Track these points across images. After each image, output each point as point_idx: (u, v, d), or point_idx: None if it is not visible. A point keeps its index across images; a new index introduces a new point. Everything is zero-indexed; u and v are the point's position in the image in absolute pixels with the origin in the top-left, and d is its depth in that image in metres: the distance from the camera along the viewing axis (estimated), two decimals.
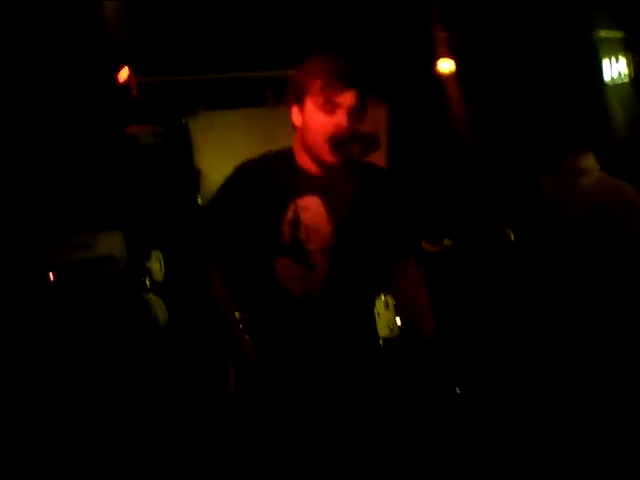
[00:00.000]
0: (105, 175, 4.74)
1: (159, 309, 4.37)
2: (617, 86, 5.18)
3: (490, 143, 5.28)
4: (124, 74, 4.93)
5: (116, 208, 4.67)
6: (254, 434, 2.55)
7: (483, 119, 5.31)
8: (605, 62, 5.25)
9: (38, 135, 4.58)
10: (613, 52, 5.19)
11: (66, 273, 4.32)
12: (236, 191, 2.51)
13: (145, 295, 4.41)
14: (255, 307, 2.55)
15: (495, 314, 4.22)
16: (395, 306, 2.64)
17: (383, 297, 2.84)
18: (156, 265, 4.50)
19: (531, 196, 3.50)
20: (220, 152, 5.26)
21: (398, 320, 2.60)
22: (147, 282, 4.47)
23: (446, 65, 5.54)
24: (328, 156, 2.33)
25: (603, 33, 5.22)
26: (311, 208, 2.40)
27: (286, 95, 2.49)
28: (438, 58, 5.54)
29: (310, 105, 2.34)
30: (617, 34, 5.22)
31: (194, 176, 5.18)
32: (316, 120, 2.33)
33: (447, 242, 5.09)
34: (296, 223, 2.39)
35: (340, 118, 2.30)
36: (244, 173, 2.54)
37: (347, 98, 2.31)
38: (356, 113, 2.34)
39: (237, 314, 2.58)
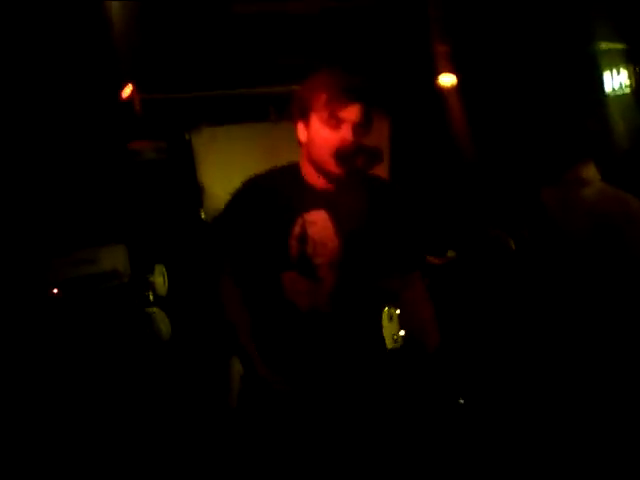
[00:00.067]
0: (109, 190, 4.76)
1: (162, 323, 4.38)
2: (618, 97, 5.19)
3: (491, 155, 5.28)
4: (128, 90, 4.96)
5: (120, 223, 4.69)
6: (257, 447, 2.55)
7: (484, 131, 5.32)
8: (606, 74, 5.26)
9: (42, 149, 4.61)
10: (614, 64, 5.20)
11: (70, 288, 4.33)
12: (243, 206, 2.54)
13: (148, 309, 4.42)
14: (263, 320, 2.55)
15: (499, 325, 4.21)
16: (399, 318, 2.63)
17: (387, 309, 2.82)
18: (159, 279, 4.51)
19: (532, 207, 3.50)
20: (223, 167, 5.28)
21: (402, 332, 2.60)
22: (150, 296, 4.48)
23: (447, 79, 5.55)
24: (334, 168, 2.35)
25: (604, 45, 5.23)
26: (318, 222, 2.42)
27: (291, 111, 2.51)
28: (439, 72, 5.55)
29: (315, 121, 2.37)
30: (619, 46, 5.23)
31: (197, 191, 5.19)
32: (321, 135, 2.35)
33: (451, 254, 5.09)
34: (303, 238, 2.41)
35: (345, 133, 2.33)
36: (251, 189, 2.56)
37: (352, 113, 2.34)
38: (361, 127, 2.37)
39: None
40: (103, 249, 4.48)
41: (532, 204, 3.50)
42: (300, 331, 2.45)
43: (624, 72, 5.21)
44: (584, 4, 4.82)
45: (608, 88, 5.28)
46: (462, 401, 2.65)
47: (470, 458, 3.16)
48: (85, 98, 4.74)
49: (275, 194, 2.49)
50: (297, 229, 2.42)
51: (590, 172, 3.29)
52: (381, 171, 5.25)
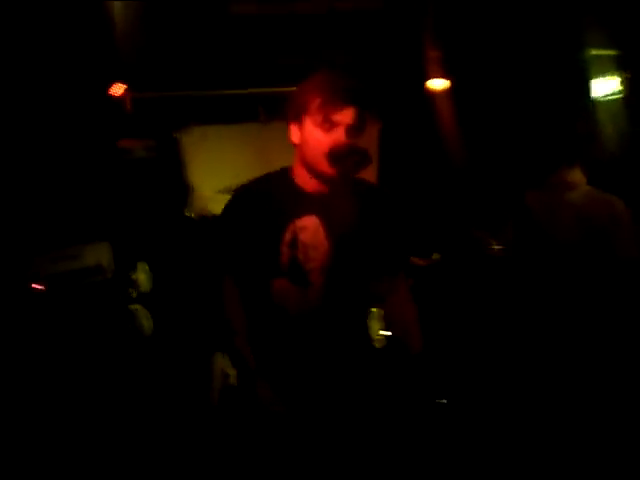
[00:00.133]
0: (96, 187, 4.75)
1: (145, 320, 4.37)
2: (608, 103, 5.20)
3: (479, 158, 5.29)
4: (118, 89, 4.95)
5: (104, 220, 4.68)
6: (240, 444, 2.55)
7: (473, 134, 5.33)
8: (597, 80, 5.27)
9: (30, 146, 4.59)
10: (605, 70, 5.21)
11: (53, 283, 4.32)
12: (237, 214, 2.54)
13: (131, 306, 4.41)
14: (254, 325, 2.55)
15: (484, 326, 4.21)
16: (383, 318, 2.62)
17: (373, 310, 2.82)
18: (143, 276, 4.51)
19: (517, 210, 3.50)
20: (211, 167, 5.31)
21: (386, 332, 2.59)
22: (133, 293, 4.47)
23: (438, 83, 5.56)
24: (327, 169, 2.36)
25: (595, 51, 5.24)
26: (309, 228, 2.43)
27: (284, 113, 2.51)
28: (430, 77, 5.55)
29: (309, 123, 2.38)
30: (609, 52, 5.24)
31: (184, 190, 5.19)
32: (315, 137, 2.36)
33: (436, 256, 5.09)
34: (294, 244, 2.42)
35: (339, 135, 2.34)
36: (243, 196, 2.56)
37: (346, 116, 2.35)
38: (354, 130, 2.38)
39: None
40: (87, 246, 4.49)
41: (517, 207, 3.50)
42: (289, 334, 2.46)
43: (614, 78, 5.22)
44: (575, 11, 4.83)
45: (598, 94, 5.29)
46: (445, 401, 2.64)
47: (453, 457, 3.17)
48: (74, 96, 4.74)
49: (266, 200, 2.49)
50: (288, 235, 2.43)
51: (576, 176, 3.30)
52: (369, 174, 5.24)
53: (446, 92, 5.53)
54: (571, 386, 3.22)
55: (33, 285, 4.23)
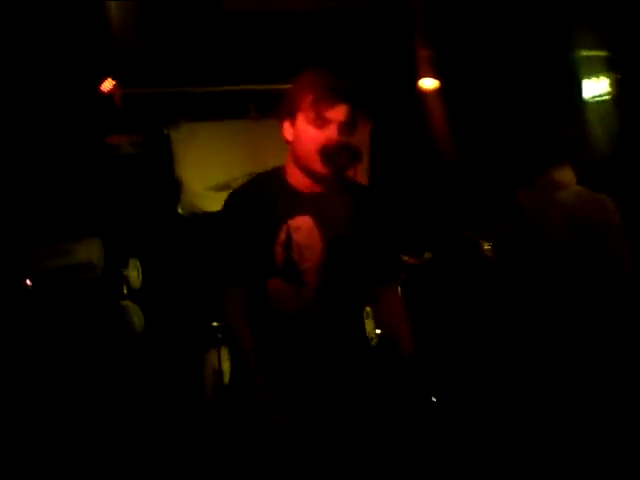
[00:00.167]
0: (85, 183, 4.74)
1: (136, 316, 4.37)
2: (598, 104, 5.22)
3: (470, 157, 5.30)
4: (108, 85, 4.93)
5: (96, 216, 4.67)
6: (235, 448, 2.55)
7: (463, 134, 5.34)
8: (587, 81, 5.29)
9: (19, 142, 4.57)
10: (595, 71, 5.23)
11: (44, 279, 4.31)
12: (232, 217, 2.52)
13: (122, 302, 4.41)
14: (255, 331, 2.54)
15: (475, 325, 4.23)
16: (376, 319, 2.63)
17: (367, 308, 2.83)
18: (134, 273, 4.51)
19: (508, 209, 3.51)
20: (201, 163, 5.29)
21: (378, 330, 2.60)
22: (124, 289, 4.47)
23: (429, 83, 5.56)
24: (319, 167, 2.36)
25: (585, 52, 5.26)
26: (303, 228, 2.42)
27: (276, 110, 2.51)
28: (421, 76, 5.56)
29: (301, 120, 2.38)
30: (599, 53, 5.26)
31: (174, 186, 5.18)
32: (308, 134, 2.36)
33: (428, 255, 5.10)
34: (289, 244, 2.41)
35: (331, 132, 2.34)
36: (237, 200, 2.54)
37: (338, 113, 2.35)
38: (346, 127, 2.38)
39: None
40: (79, 242, 4.47)
41: (508, 205, 3.51)
42: (286, 333, 2.45)
43: (604, 79, 5.24)
44: (566, 11, 4.84)
45: (588, 95, 5.31)
46: (434, 399, 2.66)
47: (447, 455, 3.19)
48: (64, 92, 4.72)
49: (260, 201, 2.48)
50: (282, 235, 2.42)
51: (565, 176, 3.31)
52: (361, 173, 5.25)
53: (437, 91, 5.54)
54: (562, 385, 3.24)
55: (24, 280, 4.21)
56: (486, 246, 4.26)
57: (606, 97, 5.22)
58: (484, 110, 5.31)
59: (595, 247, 3.15)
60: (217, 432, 3.63)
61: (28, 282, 4.27)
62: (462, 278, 4.60)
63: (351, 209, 2.46)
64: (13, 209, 4.46)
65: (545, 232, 3.31)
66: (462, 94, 5.38)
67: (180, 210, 5.21)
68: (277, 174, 2.52)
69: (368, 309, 2.66)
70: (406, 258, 4.77)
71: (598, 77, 5.27)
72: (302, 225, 2.43)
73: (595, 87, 5.28)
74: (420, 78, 5.56)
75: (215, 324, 4.32)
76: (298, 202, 2.44)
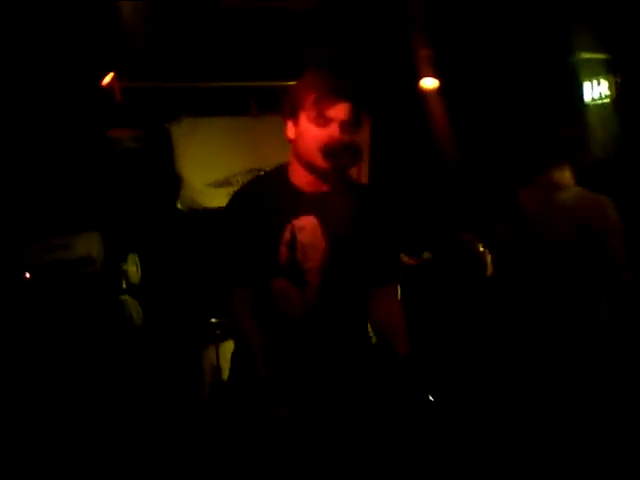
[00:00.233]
0: (85, 177, 4.74)
1: (134, 311, 4.37)
2: (598, 107, 5.23)
3: (470, 157, 5.31)
4: (108, 78, 4.92)
5: (95, 210, 4.67)
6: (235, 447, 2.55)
7: (463, 133, 5.35)
8: (587, 83, 5.30)
9: (19, 136, 4.57)
10: (595, 74, 5.24)
11: (43, 273, 4.31)
12: (236, 221, 2.52)
13: (121, 297, 4.41)
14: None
15: (474, 325, 4.24)
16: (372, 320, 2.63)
17: None
18: (133, 268, 4.52)
19: (509, 208, 3.52)
20: (201, 159, 5.29)
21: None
22: (123, 284, 4.47)
23: (429, 82, 5.57)
24: (322, 163, 2.37)
25: (586, 54, 5.27)
26: (307, 227, 2.42)
27: (276, 107, 2.54)
28: (421, 76, 5.57)
29: (304, 119, 2.39)
30: (600, 56, 5.27)
31: (174, 181, 5.18)
32: (310, 132, 2.37)
33: (427, 255, 5.10)
34: (293, 244, 2.41)
35: (333, 131, 2.34)
36: (241, 200, 2.55)
37: (340, 111, 2.35)
38: (349, 125, 2.38)
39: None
40: (78, 235, 4.47)
41: (509, 206, 3.52)
42: (289, 333, 2.45)
43: (604, 82, 5.25)
44: (566, 14, 4.85)
45: (588, 98, 5.32)
46: (432, 398, 2.66)
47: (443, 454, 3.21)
48: (64, 86, 4.71)
49: (263, 201, 2.48)
50: (287, 235, 2.42)
51: (563, 176, 3.33)
52: (361, 172, 5.26)
53: (437, 91, 5.54)
54: (559, 384, 3.25)
55: (23, 273, 4.21)
56: (481, 248, 4.27)
57: (606, 100, 5.23)
58: (484, 111, 5.32)
59: (594, 248, 3.16)
60: (214, 428, 3.64)
61: (27, 275, 4.27)
62: (459, 279, 4.61)
63: (353, 209, 2.47)
64: (13, 202, 4.45)
65: (545, 232, 3.32)
66: (462, 94, 5.39)
67: (179, 205, 5.21)
68: (280, 173, 2.52)
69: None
70: (405, 258, 4.78)
71: (598, 80, 5.27)
72: (306, 225, 2.43)
73: (595, 90, 5.28)
74: (420, 78, 5.57)
75: (213, 320, 4.35)
76: (302, 202, 2.45)
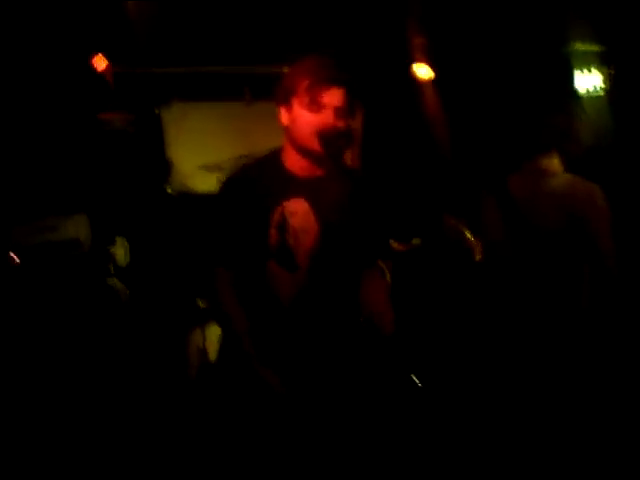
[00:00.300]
0: (75, 159, 4.72)
1: (122, 294, 4.36)
2: (592, 98, 5.24)
3: (461, 144, 5.31)
4: (101, 62, 4.91)
5: (83, 192, 4.65)
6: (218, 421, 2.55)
7: (455, 122, 5.35)
8: (580, 75, 5.30)
9: (8, 117, 4.55)
10: (588, 65, 5.25)
11: (30, 255, 4.29)
12: (228, 200, 2.53)
13: (108, 280, 4.40)
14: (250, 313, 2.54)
15: (463, 312, 4.24)
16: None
17: None
18: (121, 251, 4.51)
19: (498, 195, 3.52)
20: (192, 143, 5.28)
21: None
22: (111, 267, 4.46)
23: (422, 70, 5.57)
24: (316, 147, 2.37)
25: (579, 46, 5.28)
26: (299, 212, 2.42)
27: (270, 94, 2.52)
28: (414, 63, 5.57)
29: (297, 105, 2.38)
30: (593, 47, 5.28)
31: (164, 165, 5.17)
32: (303, 118, 2.37)
33: (416, 241, 5.09)
34: (283, 227, 2.41)
35: (326, 117, 2.34)
36: (233, 183, 2.55)
37: (333, 97, 2.35)
38: (342, 111, 2.38)
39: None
40: (65, 218, 4.45)
41: (499, 191, 3.52)
42: (280, 318, 2.45)
43: (598, 74, 5.26)
44: (561, 5, 4.86)
45: (582, 89, 5.33)
46: (419, 384, 2.66)
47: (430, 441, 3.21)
48: (56, 69, 4.70)
49: (256, 184, 2.49)
50: (277, 217, 2.42)
51: (552, 163, 3.33)
52: (352, 159, 5.26)
53: (429, 79, 5.54)
54: (545, 371, 3.25)
55: (10, 254, 4.20)
56: (469, 235, 4.26)
57: (600, 92, 5.23)
58: (476, 100, 5.31)
59: (581, 234, 3.17)
60: (202, 409, 3.64)
61: (15, 257, 4.26)
62: (448, 264, 4.61)
63: (345, 194, 2.46)
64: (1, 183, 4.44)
65: (533, 218, 3.32)
66: (455, 82, 5.39)
67: (169, 189, 5.20)
68: (273, 158, 2.52)
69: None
70: (395, 244, 4.77)
71: (591, 71, 5.28)
72: (298, 209, 2.42)
73: (589, 82, 5.29)
74: (414, 66, 5.56)
75: (200, 303, 4.34)
76: (293, 185, 2.44)
